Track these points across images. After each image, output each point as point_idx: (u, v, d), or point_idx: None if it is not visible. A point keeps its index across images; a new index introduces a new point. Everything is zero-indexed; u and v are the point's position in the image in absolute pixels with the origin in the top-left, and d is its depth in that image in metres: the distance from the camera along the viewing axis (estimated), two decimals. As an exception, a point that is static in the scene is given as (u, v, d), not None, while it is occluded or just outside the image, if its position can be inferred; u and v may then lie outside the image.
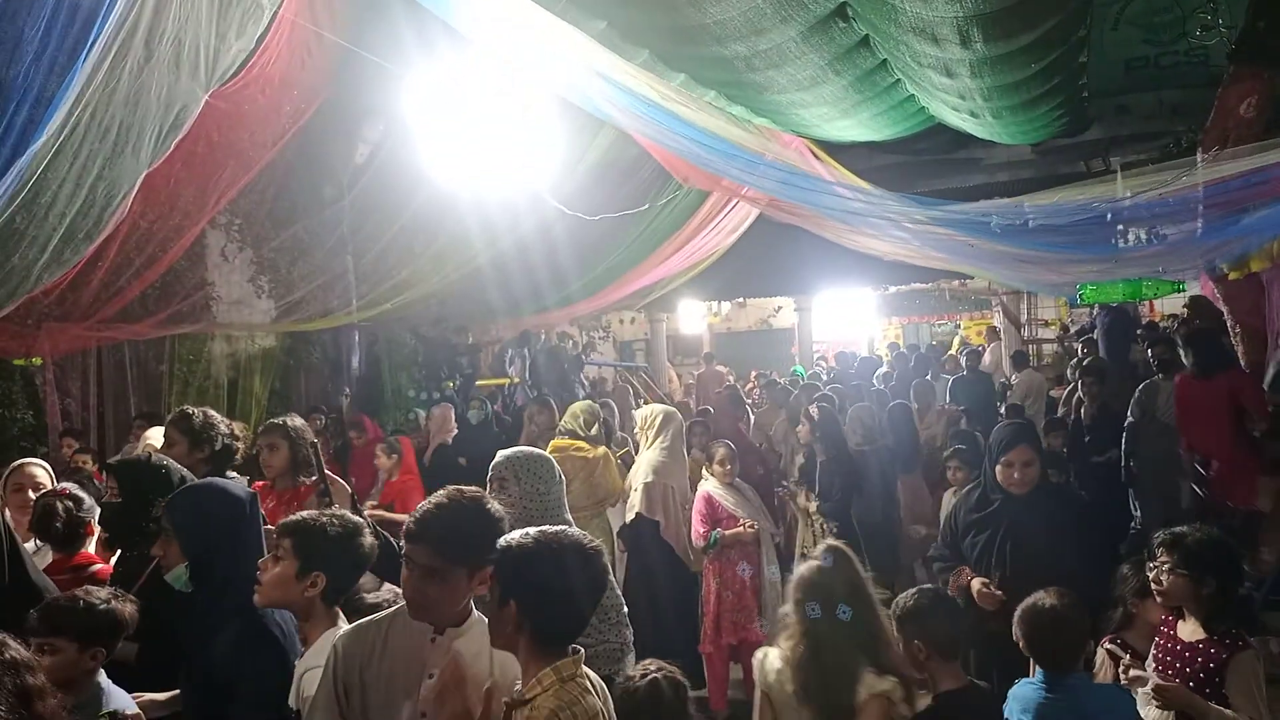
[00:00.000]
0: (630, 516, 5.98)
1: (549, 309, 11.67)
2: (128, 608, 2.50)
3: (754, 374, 15.90)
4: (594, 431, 6.35)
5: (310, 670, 2.39)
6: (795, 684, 2.87)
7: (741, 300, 20.55)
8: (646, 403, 10.50)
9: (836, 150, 8.69)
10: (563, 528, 2.28)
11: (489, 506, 2.29)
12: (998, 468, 3.99)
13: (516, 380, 11.97)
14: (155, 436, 5.11)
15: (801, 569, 3.03)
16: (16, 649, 2.20)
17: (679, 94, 6.11)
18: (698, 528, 5.80)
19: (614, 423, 7.74)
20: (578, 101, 5.19)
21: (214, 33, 4.70)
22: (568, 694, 2.06)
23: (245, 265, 10.49)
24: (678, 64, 6.31)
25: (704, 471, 6.10)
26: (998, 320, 17.29)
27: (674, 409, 6.53)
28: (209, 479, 3.19)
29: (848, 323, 21.31)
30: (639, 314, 17.15)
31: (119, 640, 2.48)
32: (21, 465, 4.17)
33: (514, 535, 2.17)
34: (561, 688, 2.07)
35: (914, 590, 3.19)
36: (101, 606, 2.43)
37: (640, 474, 6.07)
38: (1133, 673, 3.14)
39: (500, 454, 3.38)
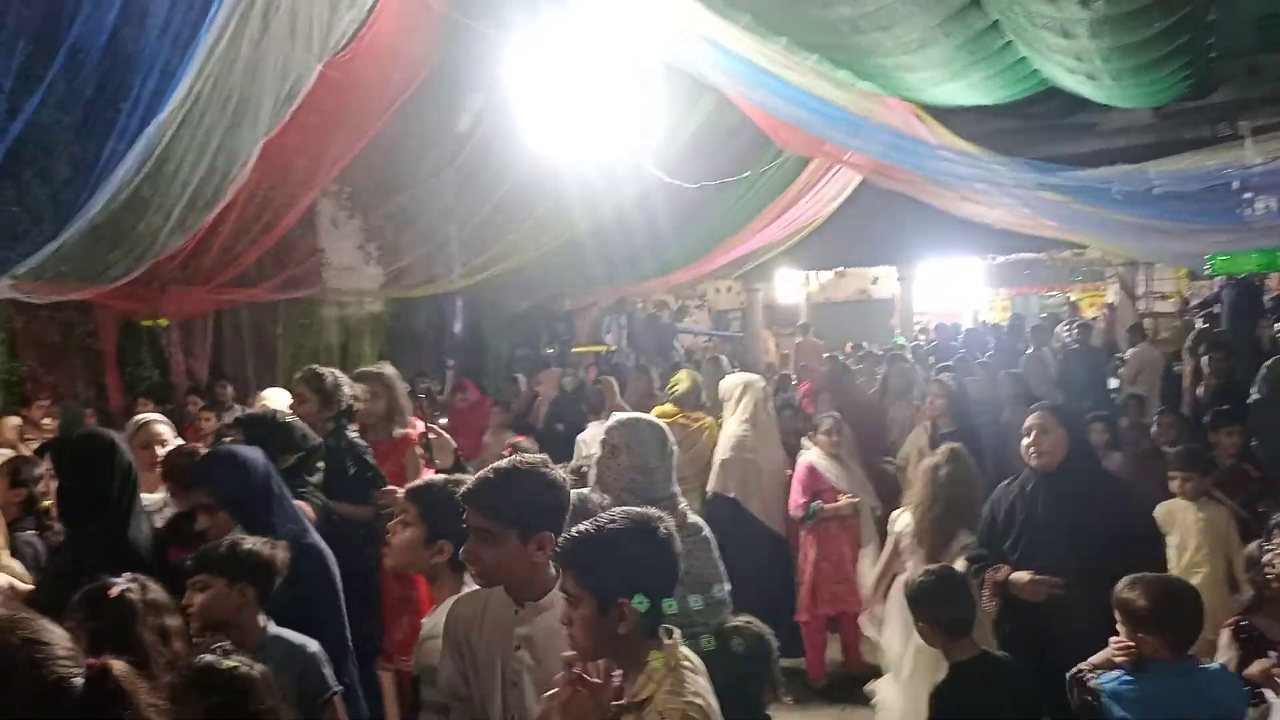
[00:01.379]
0: (708, 495, 5.90)
1: (647, 277, 11.69)
2: (278, 551, 2.62)
3: (849, 345, 15.65)
4: (700, 400, 6.32)
5: (426, 640, 2.46)
6: (916, 531, 4.13)
7: (841, 270, 20.16)
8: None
9: (944, 114, 8.41)
10: (631, 508, 2.15)
11: (544, 472, 2.28)
12: (1022, 443, 3.74)
13: (613, 347, 12.06)
14: (271, 397, 5.36)
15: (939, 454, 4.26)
16: (157, 591, 2.37)
17: (782, 57, 6.00)
18: (797, 498, 5.75)
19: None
20: (680, 65, 5.16)
21: (326, 4, 4.84)
22: (680, 682, 1.98)
23: (354, 232, 10.83)
24: (780, 27, 6.19)
25: (805, 441, 6.03)
26: (1112, 293, 16.56)
27: (757, 377, 6.39)
28: (224, 448, 3.26)
29: (952, 293, 20.72)
30: (735, 283, 17.01)
31: (271, 580, 2.58)
32: (147, 424, 4.33)
33: (604, 531, 2.04)
34: (673, 677, 1.98)
35: (922, 571, 3.42)
36: (244, 547, 2.56)
37: (719, 449, 5.97)
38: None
39: (616, 418, 3.29)
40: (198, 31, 4.59)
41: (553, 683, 2.00)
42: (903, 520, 4.48)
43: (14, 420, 6.50)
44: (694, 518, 3.21)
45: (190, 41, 4.72)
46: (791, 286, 19.10)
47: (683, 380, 6.39)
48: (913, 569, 3.95)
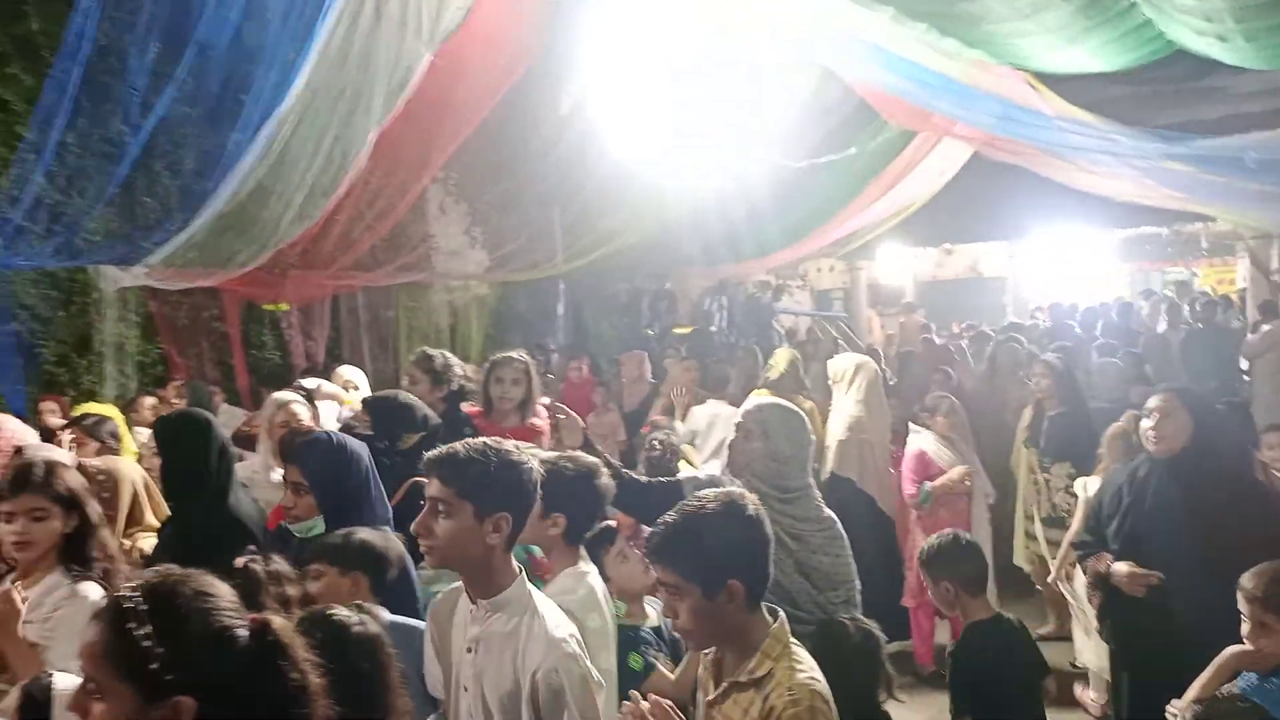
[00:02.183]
0: (825, 475, 5.86)
1: (747, 258, 11.61)
2: (391, 543, 2.70)
3: (959, 325, 15.21)
4: (801, 383, 6.26)
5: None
6: None
7: (948, 247, 19.61)
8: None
9: (1058, 82, 8.08)
10: (715, 489, 2.18)
11: (512, 452, 2.17)
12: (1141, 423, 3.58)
13: (714, 329, 12.04)
14: (345, 373, 5.53)
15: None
16: (280, 562, 2.50)
17: (888, 27, 5.87)
18: (909, 486, 5.64)
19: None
20: (783, 39, 5.09)
21: (436, -9, 4.97)
22: (798, 660, 2.02)
23: (461, 217, 11.09)
24: (888, -2, 6.06)
25: (913, 425, 5.92)
26: (1242, 270, 15.64)
27: (869, 358, 6.31)
28: (331, 432, 3.24)
29: (1067, 270, 19.91)
30: (837, 261, 16.74)
31: (384, 570, 2.63)
32: (286, 404, 4.49)
33: (696, 516, 2.06)
34: (789, 655, 2.02)
35: (937, 534, 3.46)
36: (357, 537, 2.65)
37: (834, 430, 5.92)
38: None
39: (753, 401, 3.26)
40: (314, 25, 4.76)
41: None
42: (1092, 485, 4.46)
43: (150, 400, 6.90)
44: (828, 512, 3.13)
45: (307, 35, 4.90)
46: (896, 264, 18.69)
47: (780, 363, 6.32)
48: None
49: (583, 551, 2.67)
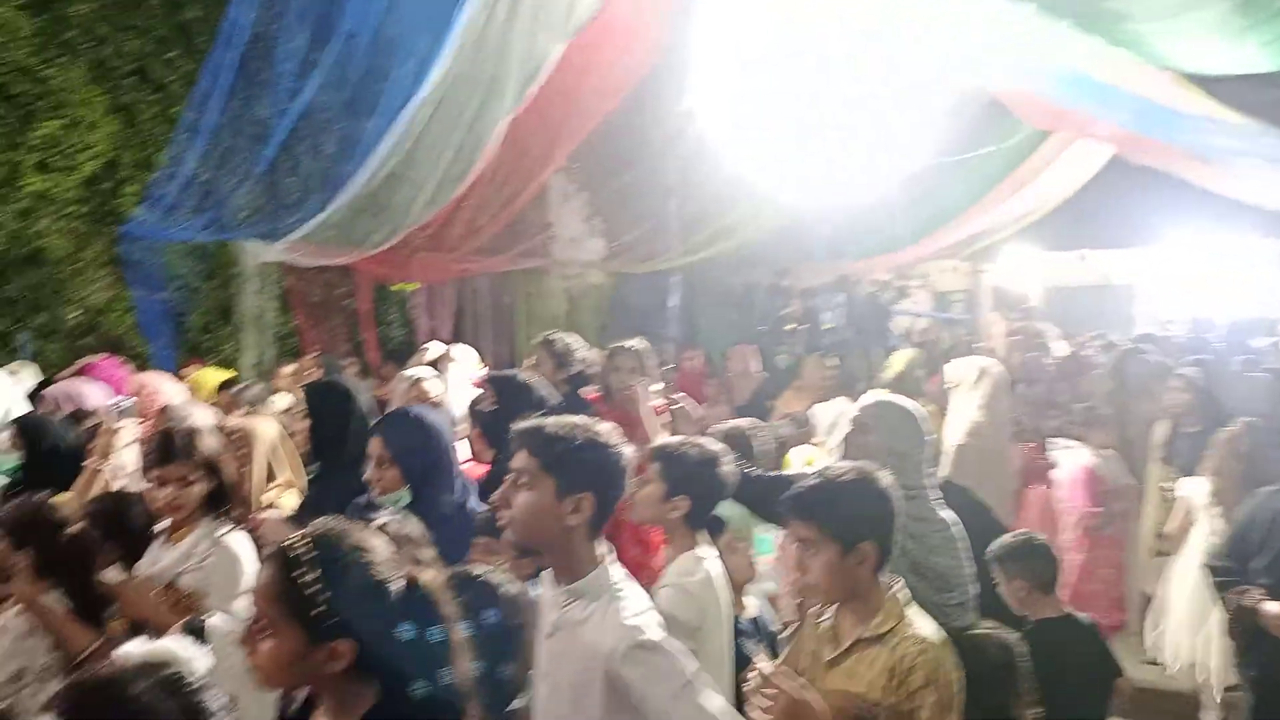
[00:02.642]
0: (940, 481, 5.72)
1: (867, 255, 11.43)
2: None
3: (1089, 335, 14.58)
4: (919, 386, 6.13)
5: (664, 587, 2.58)
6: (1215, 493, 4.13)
7: (1082, 253, 18.78)
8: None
9: (1208, 83, 7.65)
10: (846, 462, 2.28)
11: (603, 434, 2.09)
12: None
13: (830, 326, 11.89)
14: (433, 350, 5.66)
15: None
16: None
17: (1027, 23, 5.69)
18: (1082, 504, 5.45)
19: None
20: (912, 34, 5.00)
21: (572, -18, 5.07)
22: (917, 617, 2.14)
23: (581, 206, 11.28)
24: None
25: (1063, 440, 5.72)
26: None
27: (994, 361, 6.11)
28: (413, 407, 3.29)
29: (1211, 280, 18.78)
30: (960, 263, 16.26)
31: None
32: (418, 380, 4.64)
33: (836, 479, 2.19)
34: (907, 613, 2.15)
35: (1010, 535, 3.61)
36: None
37: (952, 435, 5.76)
38: None
39: (870, 396, 3.23)
40: (453, 16, 4.93)
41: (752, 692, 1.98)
42: (1193, 487, 4.47)
43: (289, 369, 7.28)
44: (944, 513, 3.06)
45: (446, 26, 5.09)
46: (1023, 268, 18.01)
47: (897, 364, 6.19)
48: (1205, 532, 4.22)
49: (703, 536, 2.71)
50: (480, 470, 3.95)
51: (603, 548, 2.08)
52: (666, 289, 12.14)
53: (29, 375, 5.36)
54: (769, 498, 3.13)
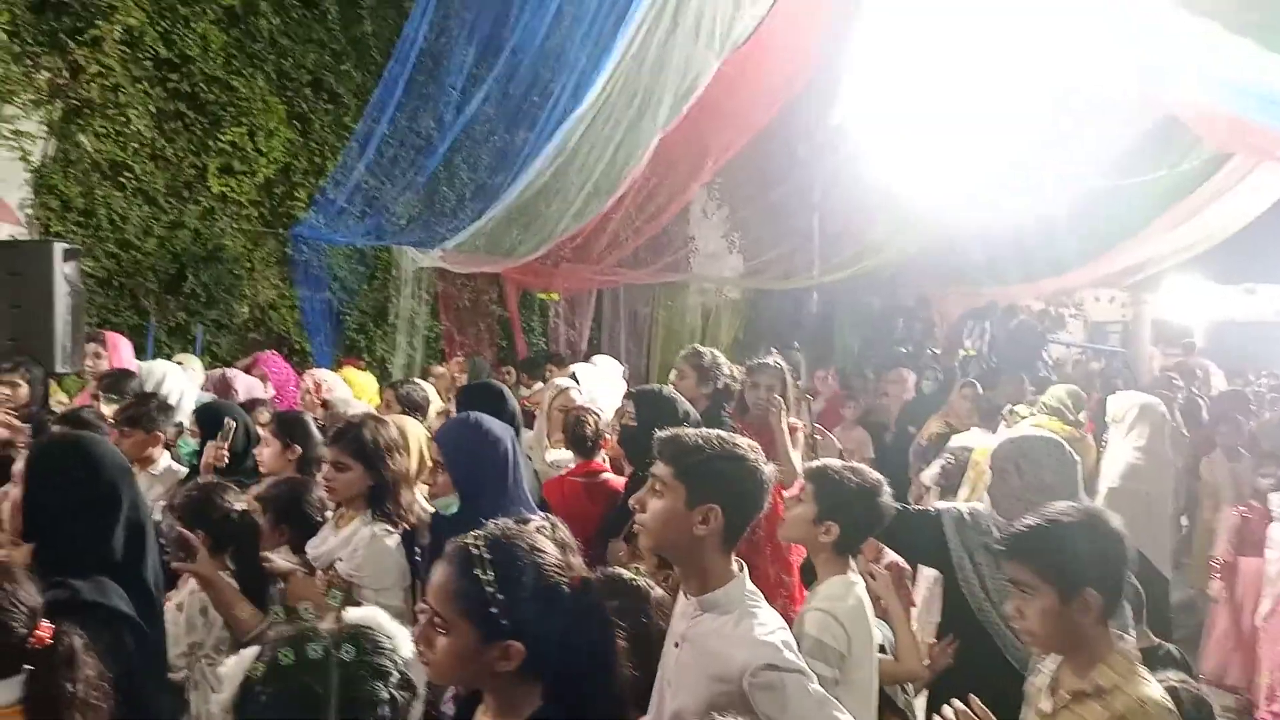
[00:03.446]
0: None
1: (1019, 281, 11.00)
2: None
3: (1256, 374, 13.58)
4: (1077, 419, 5.83)
5: (811, 611, 2.54)
6: None
7: (1250, 286, 17.54)
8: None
9: None
10: (1076, 504, 2.15)
11: (741, 449, 2.07)
12: None
13: (972, 353, 11.50)
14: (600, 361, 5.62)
15: None
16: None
17: (1211, 41, 5.37)
18: None
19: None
20: (1088, 50, 4.79)
21: (731, 1, 5.09)
22: (1144, 676, 1.99)
23: (721, 222, 11.31)
24: (1208, 8, 5.54)
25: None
26: None
27: (1155, 400, 5.73)
28: (471, 414, 3.22)
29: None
30: (1119, 292, 15.44)
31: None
32: (565, 390, 4.75)
33: (1059, 522, 2.05)
34: (1135, 669, 2.00)
35: None
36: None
37: (1107, 476, 5.42)
38: None
39: (1006, 436, 3.12)
40: (615, 33, 5.03)
41: None
42: None
43: (440, 369, 7.56)
44: None
45: (607, 43, 5.19)
46: (1185, 300, 16.93)
47: (1062, 395, 5.86)
48: None
49: (853, 563, 2.66)
50: (619, 482, 4.01)
51: (736, 563, 2.07)
52: (803, 307, 12.02)
53: (196, 367, 5.71)
54: (911, 534, 3.06)
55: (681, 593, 2.10)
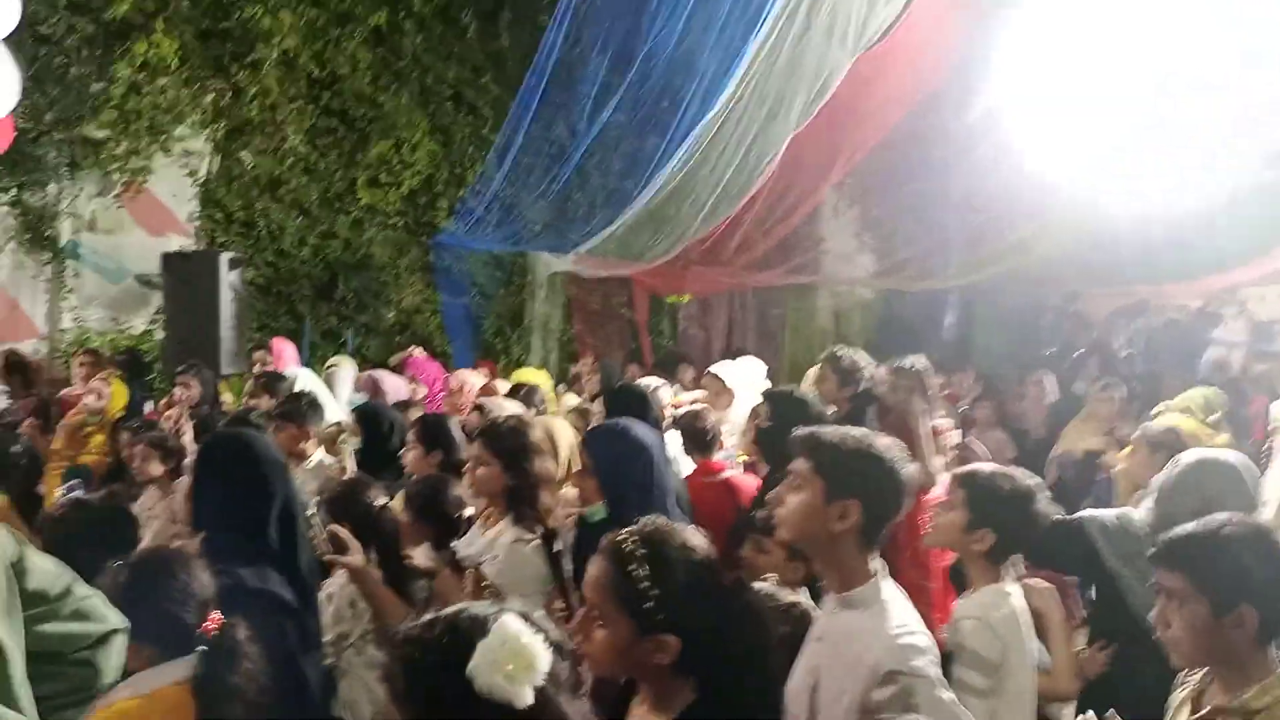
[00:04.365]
0: None
1: (1174, 279, 10.34)
2: None
3: None
4: (1213, 419, 5.46)
5: (965, 619, 2.47)
6: None
7: None
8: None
9: None
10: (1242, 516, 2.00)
11: (879, 445, 2.05)
12: None
13: (1128, 353, 10.89)
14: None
15: None
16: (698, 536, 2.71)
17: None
18: None
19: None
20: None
21: (866, 0, 5.01)
22: None
23: (852, 221, 11.08)
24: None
25: None
26: None
27: (1337, 405, 5.28)
28: (620, 421, 3.22)
29: None
30: (1290, 289, 14.32)
31: None
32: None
33: (1220, 533, 1.93)
34: None
35: None
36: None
37: (1271, 492, 4.99)
38: None
39: (1178, 461, 2.90)
40: (748, 36, 5.01)
41: None
42: None
43: (574, 370, 7.68)
44: None
45: (740, 46, 5.18)
46: (1368, 298, 15.54)
47: (1199, 398, 5.49)
48: None
49: (1008, 571, 2.57)
50: (754, 483, 4.00)
51: (876, 562, 2.04)
52: (940, 308, 11.65)
53: (348, 367, 6.03)
54: (1056, 544, 2.92)
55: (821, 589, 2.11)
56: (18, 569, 1.21)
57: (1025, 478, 2.62)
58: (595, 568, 1.66)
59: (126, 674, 1.68)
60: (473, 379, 4.92)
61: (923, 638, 1.99)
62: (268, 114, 7.36)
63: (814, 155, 6.97)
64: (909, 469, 2.07)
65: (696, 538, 1.68)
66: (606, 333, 9.65)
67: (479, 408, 4.18)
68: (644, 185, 6.61)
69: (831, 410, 4.03)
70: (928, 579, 3.60)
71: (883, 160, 9.65)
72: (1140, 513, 2.99)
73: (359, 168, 7.87)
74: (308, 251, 7.63)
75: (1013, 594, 2.52)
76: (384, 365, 6.68)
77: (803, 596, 2.55)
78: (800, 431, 2.13)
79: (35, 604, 1.22)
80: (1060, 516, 3.26)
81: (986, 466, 2.68)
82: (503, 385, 5.25)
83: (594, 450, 3.05)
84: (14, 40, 4.02)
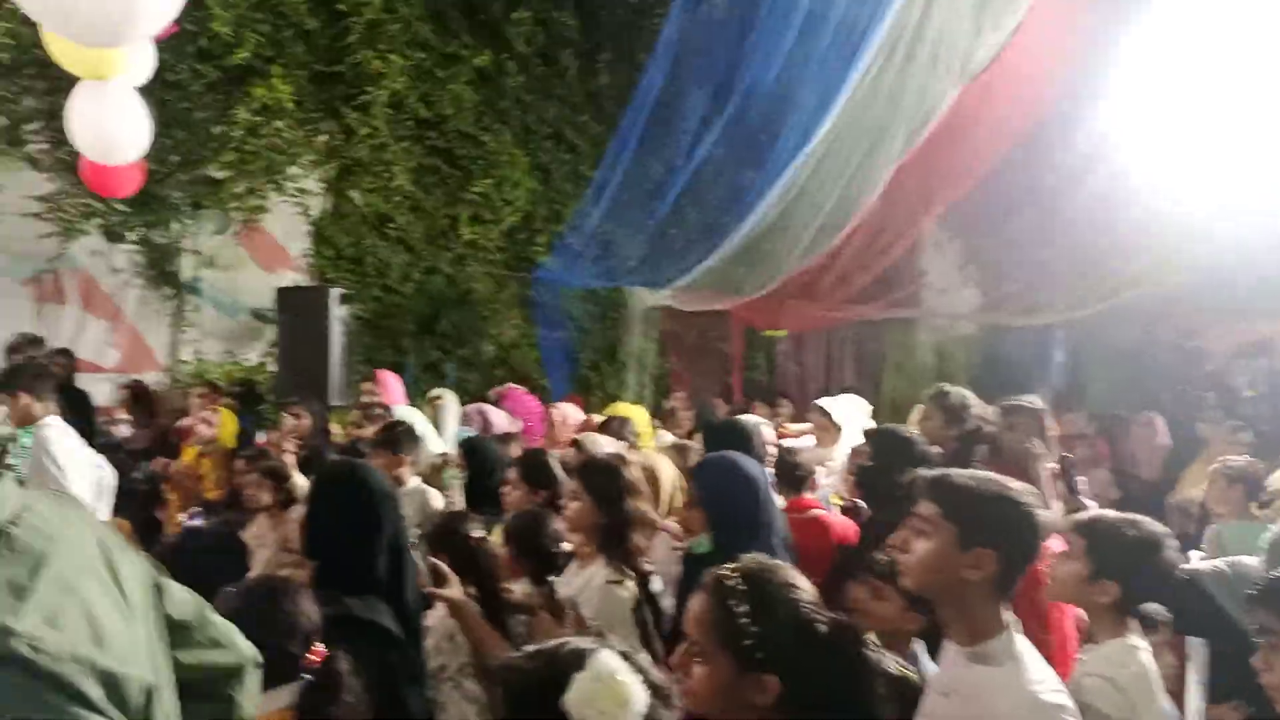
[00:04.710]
0: None
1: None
2: None
3: None
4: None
5: (1088, 676, 2.32)
6: None
7: None
8: None
9: None
10: None
11: (1015, 490, 1.94)
12: None
13: (1250, 393, 10.30)
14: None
15: None
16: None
17: None
18: None
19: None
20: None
21: (971, 27, 4.89)
22: None
23: (955, 254, 10.80)
24: None
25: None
26: None
27: None
28: (727, 455, 3.16)
29: None
30: None
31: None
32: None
33: None
34: None
35: None
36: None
37: None
38: None
39: None
40: (849, 67, 4.96)
41: None
42: None
43: (670, 404, 7.66)
44: None
45: (840, 78, 5.13)
46: None
47: None
48: None
49: (1135, 625, 2.41)
50: (846, 523, 3.88)
51: (1009, 615, 1.93)
52: (1047, 344, 11.25)
53: (452, 401, 6.12)
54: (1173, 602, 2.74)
55: (945, 640, 1.99)
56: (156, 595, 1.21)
57: (1150, 525, 2.45)
58: (697, 602, 1.62)
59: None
60: (572, 413, 4.92)
61: (1064, 695, 1.88)
62: (376, 154, 7.61)
63: (916, 187, 6.84)
64: (1045, 515, 1.98)
65: (801, 579, 1.64)
66: (701, 368, 9.60)
67: (577, 443, 4.17)
68: (741, 219, 6.59)
69: (936, 450, 3.89)
70: (1047, 632, 3.42)
71: (987, 191, 9.40)
72: (1253, 561, 2.80)
73: (461, 205, 8.06)
74: (411, 287, 7.83)
75: (1141, 649, 2.35)
76: (482, 398, 6.78)
77: (920, 649, 2.45)
78: (927, 473, 2.06)
79: (174, 630, 1.20)
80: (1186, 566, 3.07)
81: (1109, 514, 2.51)
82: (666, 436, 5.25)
83: (702, 482, 3.04)
84: (146, 88, 4.25)
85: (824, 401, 5.25)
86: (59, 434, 4.03)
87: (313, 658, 2.00)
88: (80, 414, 5.87)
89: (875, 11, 4.63)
